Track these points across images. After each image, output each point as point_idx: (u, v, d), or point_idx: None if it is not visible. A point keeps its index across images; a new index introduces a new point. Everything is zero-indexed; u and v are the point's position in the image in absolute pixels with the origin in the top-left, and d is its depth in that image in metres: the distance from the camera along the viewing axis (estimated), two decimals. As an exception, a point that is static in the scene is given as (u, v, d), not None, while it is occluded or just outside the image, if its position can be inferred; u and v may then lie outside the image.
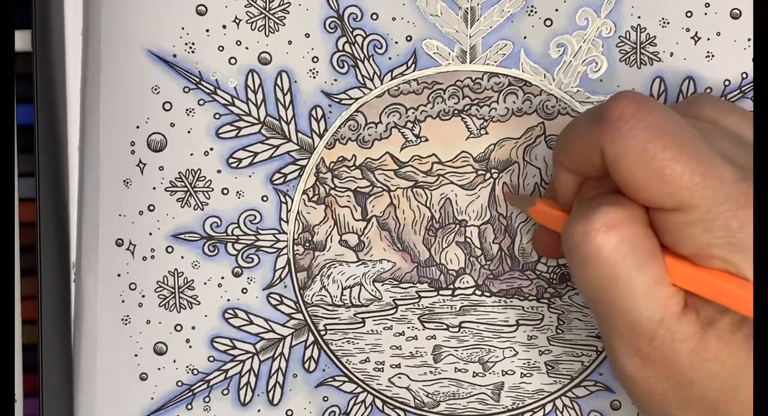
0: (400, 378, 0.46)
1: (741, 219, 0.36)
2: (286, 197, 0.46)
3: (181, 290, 0.46)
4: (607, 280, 0.37)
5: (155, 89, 0.45)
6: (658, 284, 0.37)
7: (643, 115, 0.36)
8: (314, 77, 0.45)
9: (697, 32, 0.45)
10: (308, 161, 0.46)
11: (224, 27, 0.45)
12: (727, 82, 0.45)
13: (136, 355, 0.46)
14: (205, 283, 0.46)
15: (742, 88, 0.45)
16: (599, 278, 0.37)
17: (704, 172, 0.36)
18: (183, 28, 0.45)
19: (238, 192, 0.46)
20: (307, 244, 0.46)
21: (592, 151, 0.37)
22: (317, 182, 0.46)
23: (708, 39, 0.45)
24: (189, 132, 0.45)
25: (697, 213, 0.36)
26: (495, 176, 0.45)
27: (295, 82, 0.45)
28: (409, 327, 0.46)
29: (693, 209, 0.36)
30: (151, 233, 0.46)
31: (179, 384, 0.46)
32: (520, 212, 0.46)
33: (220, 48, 0.45)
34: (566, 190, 0.41)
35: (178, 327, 0.46)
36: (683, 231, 0.36)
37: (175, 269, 0.46)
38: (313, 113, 0.45)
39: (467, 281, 0.46)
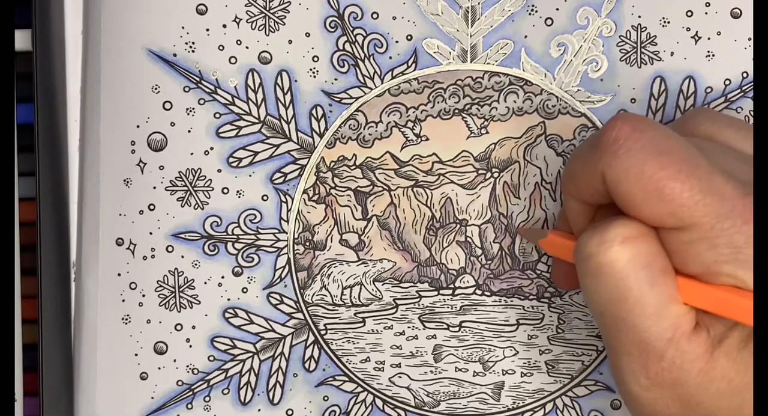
0: (400, 377, 0.46)
1: (746, 234, 0.35)
2: (287, 196, 0.46)
3: (181, 289, 0.46)
4: (618, 293, 0.36)
5: (155, 89, 0.45)
6: (670, 302, 0.36)
7: (638, 135, 0.36)
8: (314, 76, 0.45)
9: (697, 32, 0.45)
10: (308, 161, 0.46)
11: (224, 26, 0.45)
12: (727, 82, 0.45)
13: (136, 355, 0.46)
14: (205, 282, 0.46)
15: (743, 88, 0.45)
16: (610, 291, 0.37)
17: (704, 188, 0.35)
18: (183, 28, 0.45)
19: (238, 191, 0.46)
20: (308, 243, 0.46)
21: (594, 177, 0.37)
22: (317, 182, 0.46)
23: (708, 38, 0.45)
24: (189, 131, 0.45)
25: (701, 231, 0.35)
26: (495, 175, 0.45)
27: (296, 81, 0.45)
28: (409, 327, 0.46)
29: (696, 227, 0.36)
30: (151, 233, 0.46)
31: (179, 383, 0.46)
32: (520, 212, 0.46)
33: (221, 47, 0.45)
34: (579, 220, 0.40)
35: (179, 327, 0.46)
36: (689, 250, 0.36)
37: (176, 268, 0.46)
38: (314, 112, 0.45)
39: (468, 281, 0.46)
